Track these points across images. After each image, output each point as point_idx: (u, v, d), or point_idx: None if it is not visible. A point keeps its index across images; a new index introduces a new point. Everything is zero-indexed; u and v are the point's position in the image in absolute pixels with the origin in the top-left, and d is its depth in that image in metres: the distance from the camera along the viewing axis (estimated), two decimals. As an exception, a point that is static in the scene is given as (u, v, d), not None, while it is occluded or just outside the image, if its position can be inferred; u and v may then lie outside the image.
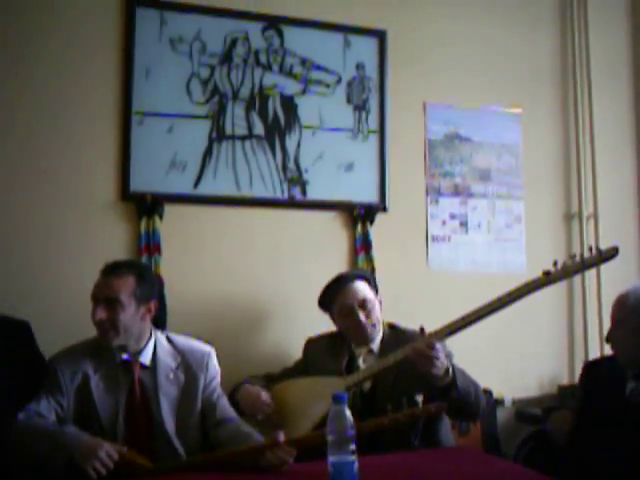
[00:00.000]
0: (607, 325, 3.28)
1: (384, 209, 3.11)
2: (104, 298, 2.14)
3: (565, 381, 3.33)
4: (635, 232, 3.54)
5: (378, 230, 3.08)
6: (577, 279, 3.40)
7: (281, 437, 1.91)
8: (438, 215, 3.21)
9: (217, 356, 2.39)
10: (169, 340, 2.31)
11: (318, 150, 3.04)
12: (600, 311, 3.40)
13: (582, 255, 2.00)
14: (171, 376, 2.22)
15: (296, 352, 2.75)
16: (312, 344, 2.70)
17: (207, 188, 2.88)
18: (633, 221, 3.55)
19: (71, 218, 2.75)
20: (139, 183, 2.79)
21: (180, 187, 2.85)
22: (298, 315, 2.96)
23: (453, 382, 2.20)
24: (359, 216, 3.06)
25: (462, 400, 2.25)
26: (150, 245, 2.76)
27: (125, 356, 2.19)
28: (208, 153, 2.89)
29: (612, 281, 3.38)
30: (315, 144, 3.04)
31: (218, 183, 2.90)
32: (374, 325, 2.51)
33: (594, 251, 2.00)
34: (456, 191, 3.25)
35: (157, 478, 1.91)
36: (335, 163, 3.07)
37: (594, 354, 3.33)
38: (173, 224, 2.82)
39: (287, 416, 2.48)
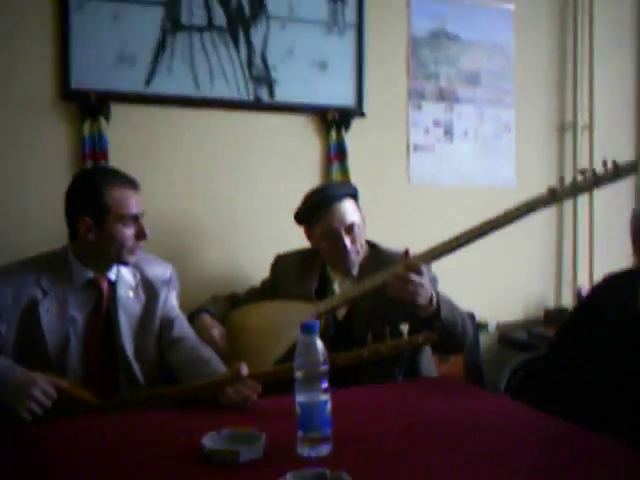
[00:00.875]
0: (598, 248, 3.14)
1: (361, 114, 2.78)
2: (141, 214, 1.95)
3: (551, 304, 3.12)
4: (632, 145, 3.27)
5: (354, 137, 2.76)
6: (567, 212, 3.18)
7: (244, 370, 1.66)
8: (421, 122, 2.90)
9: (176, 277, 2.14)
10: None
11: (288, 45, 2.67)
12: (591, 233, 3.19)
13: (594, 170, 1.71)
14: (131, 294, 2.00)
15: (263, 271, 2.47)
16: (281, 262, 2.42)
17: (161, 86, 2.52)
18: (630, 133, 3.27)
19: (2, 120, 2.38)
20: (81, 79, 2.42)
21: (129, 84, 2.48)
22: (265, 230, 2.68)
23: (437, 312, 1.95)
24: (333, 121, 2.73)
25: (447, 332, 1.99)
26: (96, 151, 2.42)
27: (91, 274, 1.94)
28: (161, 46, 2.51)
29: (605, 201, 3.16)
30: (284, 38, 2.67)
31: (173, 80, 2.53)
32: (358, 252, 2.23)
33: (609, 165, 1.70)
34: (441, 96, 2.92)
35: (101, 416, 1.65)
36: (307, 60, 2.70)
37: (583, 278, 3.13)
38: (122, 127, 2.47)
39: (250, 345, 2.22)
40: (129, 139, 2.49)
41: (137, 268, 2.03)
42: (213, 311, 2.31)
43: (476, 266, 2.98)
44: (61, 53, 2.41)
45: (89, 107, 2.41)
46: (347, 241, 2.18)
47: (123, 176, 1.96)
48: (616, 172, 1.70)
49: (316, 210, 2.22)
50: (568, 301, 3.15)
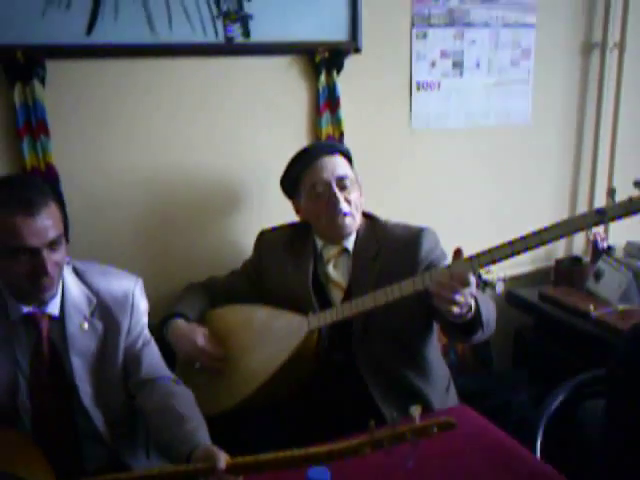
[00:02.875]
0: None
1: (356, 50, 2.28)
2: (47, 244, 1.49)
3: (561, 254, 2.83)
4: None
5: (347, 80, 2.28)
6: (588, 136, 2.77)
7: (222, 463, 1.36)
8: (426, 54, 2.41)
9: (147, 273, 1.84)
10: (77, 273, 1.68)
11: (264, -31, 2.12)
12: (610, 182, 2.82)
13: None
14: (85, 326, 1.64)
15: (249, 247, 2.14)
16: (267, 239, 2.09)
17: (106, 33, 1.99)
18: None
19: None
20: (3, 33, 1.89)
21: (66, 34, 1.95)
22: (245, 200, 2.28)
23: (477, 318, 1.66)
24: (322, 62, 2.24)
25: (482, 335, 1.74)
26: (32, 123, 1.95)
27: (27, 309, 1.58)
28: (102, -19, 1.96)
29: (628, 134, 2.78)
30: (258, -40, 2.11)
31: (122, 25, 2.00)
32: (353, 216, 1.90)
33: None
34: (451, 19, 2.40)
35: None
36: (288, -13, 2.16)
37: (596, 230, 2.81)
38: (62, 90, 1.99)
39: (226, 361, 1.94)
40: (72, 104, 2.01)
41: (92, 290, 1.66)
42: (188, 313, 2.01)
43: (483, 210, 2.67)
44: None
45: (17, 68, 1.90)
46: (339, 196, 1.87)
47: (19, 197, 1.48)
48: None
49: (301, 165, 1.93)
50: (579, 250, 2.86)
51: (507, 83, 2.56)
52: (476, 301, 1.64)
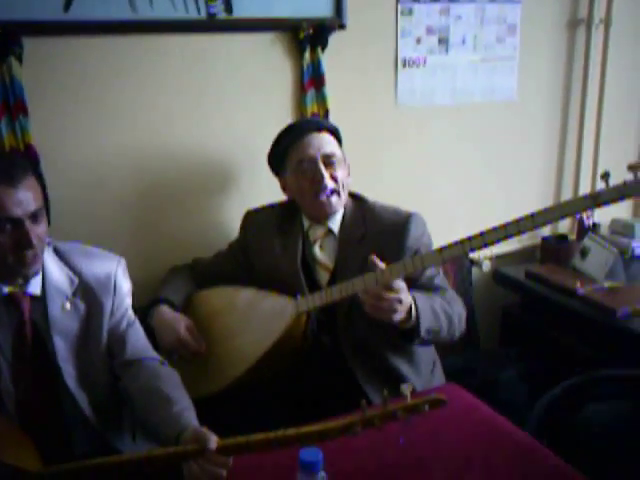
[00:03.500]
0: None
1: (341, 26, 2.25)
2: (29, 215, 1.47)
3: (547, 232, 2.83)
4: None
5: (332, 56, 2.25)
6: (574, 112, 2.76)
7: (212, 444, 1.34)
8: (411, 30, 2.37)
9: (131, 255, 1.80)
10: (59, 254, 1.65)
11: (246, -58, 2.07)
12: (596, 155, 2.82)
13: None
14: (67, 307, 1.61)
15: (232, 230, 2.13)
16: (254, 218, 2.07)
17: (85, 10, 1.94)
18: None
19: None
20: (-23, 8, 1.84)
21: (43, 10, 1.90)
22: (230, 180, 2.25)
23: (416, 327, 1.69)
24: (307, 38, 2.20)
25: (430, 341, 1.80)
26: (9, 102, 1.90)
27: (7, 289, 1.55)
28: (80, -45, 1.90)
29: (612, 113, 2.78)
30: None
31: (101, 1, 1.94)
32: (339, 193, 1.87)
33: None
34: (436, -6, 2.38)
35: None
36: (271, -39, 2.11)
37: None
38: (40, 68, 1.94)
39: (213, 343, 1.92)
40: (51, 82, 1.96)
41: (74, 270, 1.63)
42: (173, 298, 1.98)
43: (468, 186, 2.66)
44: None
45: (-7, 45, 1.86)
46: (325, 172, 1.85)
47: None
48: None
49: (288, 140, 1.91)
50: (565, 228, 2.86)
51: (493, 60, 2.53)
52: (417, 313, 1.66)
